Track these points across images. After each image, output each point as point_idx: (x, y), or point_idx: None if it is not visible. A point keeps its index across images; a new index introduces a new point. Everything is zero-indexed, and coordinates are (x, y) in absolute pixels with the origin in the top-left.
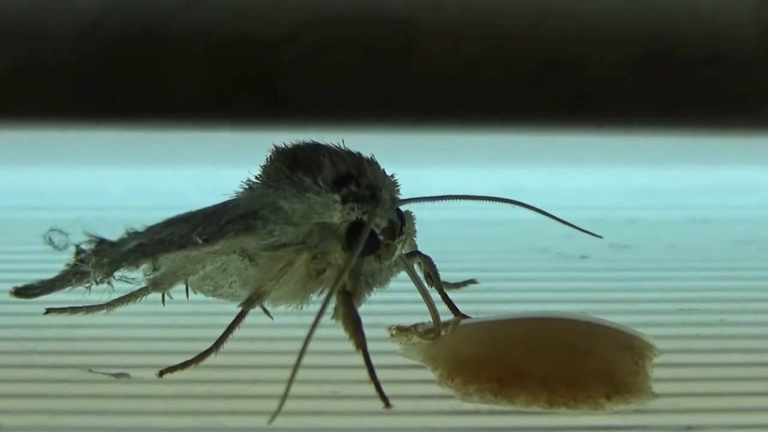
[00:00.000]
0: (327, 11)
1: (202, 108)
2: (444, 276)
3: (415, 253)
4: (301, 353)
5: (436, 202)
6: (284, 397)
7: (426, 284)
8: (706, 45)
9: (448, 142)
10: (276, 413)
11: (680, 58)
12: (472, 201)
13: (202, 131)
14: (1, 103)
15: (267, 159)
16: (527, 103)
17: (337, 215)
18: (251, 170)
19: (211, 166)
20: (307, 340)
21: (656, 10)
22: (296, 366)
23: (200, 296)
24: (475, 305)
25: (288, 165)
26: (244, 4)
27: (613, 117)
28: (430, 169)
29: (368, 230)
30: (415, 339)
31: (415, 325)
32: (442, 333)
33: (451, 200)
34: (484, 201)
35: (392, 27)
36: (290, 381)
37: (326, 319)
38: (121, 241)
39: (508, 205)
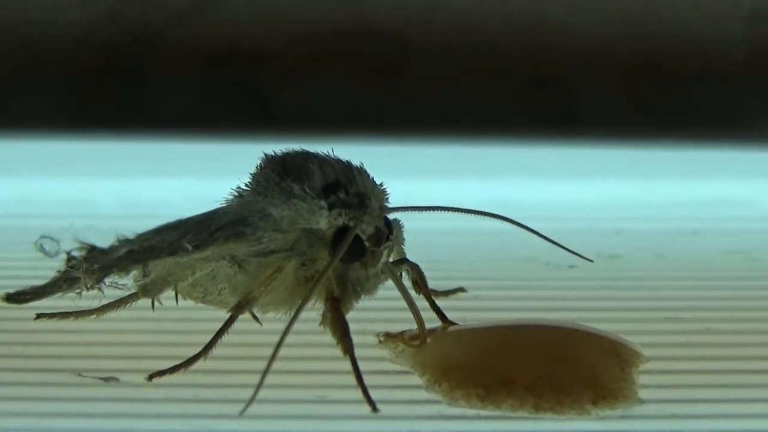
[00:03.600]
0: (318, 25)
1: (193, 119)
2: (432, 284)
3: (402, 261)
4: (275, 352)
5: (425, 212)
6: (255, 391)
7: (413, 291)
8: (696, 60)
9: (437, 154)
10: (246, 407)
11: (669, 73)
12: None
13: (193, 142)
14: None
15: (257, 166)
16: (516, 116)
17: (324, 221)
18: (241, 182)
19: (202, 177)
20: (282, 338)
21: (646, 25)
22: (269, 363)
23: (190, 302)
24: (463, 313)
25: (277, 172)
26: (236, 18)
27: (602, 130)
28: (420, 180)
29: (353, 235)
30: (402, 346)
31: (403, 332)
32: (428, 340)
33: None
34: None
35: (383, 41)
36: (263, 375)
37: (314, 325)
38: (112, 248)
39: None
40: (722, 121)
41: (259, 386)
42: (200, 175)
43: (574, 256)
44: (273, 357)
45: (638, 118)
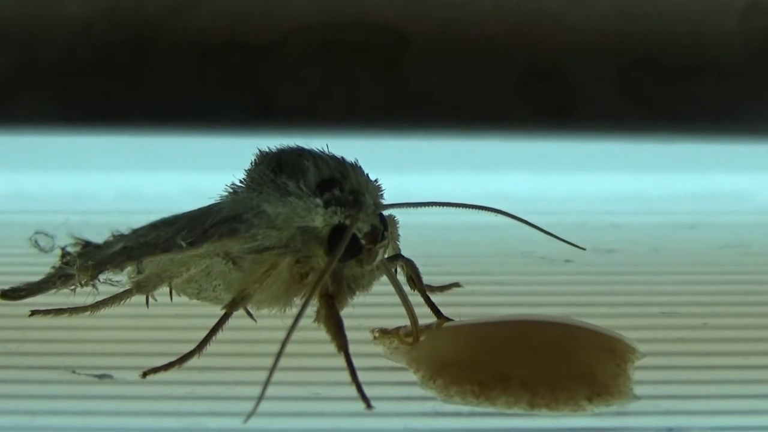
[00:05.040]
0: (316, 18)
1: (190, 113)
2: (428, 279)
3: (397, 257)
4: (279, 354)
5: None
6: (260, 398)
7: (408, 288)
8: (693, 53)
9: (434, 147)
10: (251, 413)
11: (666, 66)
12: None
13: (190, 136)
14: None
15: (252, 163)
16: (513, 110)
17: (320, 219)
18: (238, 176)
19: (199, 171)
20: (285, 341)
21: (643, 17)
22: (273, 367)
23: (184, 299)
24: (459, 308)
25: (272, 169)
26: (234, 11)
27: (599, 124)
28: (417, 174)
29: (350, 234)
30: (397, 342)
31: (398, 329)
32: (422, 337)
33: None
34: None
35: (381, 34)
36: (267, 382)
37: (309, 321)
38: (107, 244)
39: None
40: (719, 114)
41: (261, 395)
42: (198, 168)
43: (570, 250)
44: (275, 363)
45: (635, 111)
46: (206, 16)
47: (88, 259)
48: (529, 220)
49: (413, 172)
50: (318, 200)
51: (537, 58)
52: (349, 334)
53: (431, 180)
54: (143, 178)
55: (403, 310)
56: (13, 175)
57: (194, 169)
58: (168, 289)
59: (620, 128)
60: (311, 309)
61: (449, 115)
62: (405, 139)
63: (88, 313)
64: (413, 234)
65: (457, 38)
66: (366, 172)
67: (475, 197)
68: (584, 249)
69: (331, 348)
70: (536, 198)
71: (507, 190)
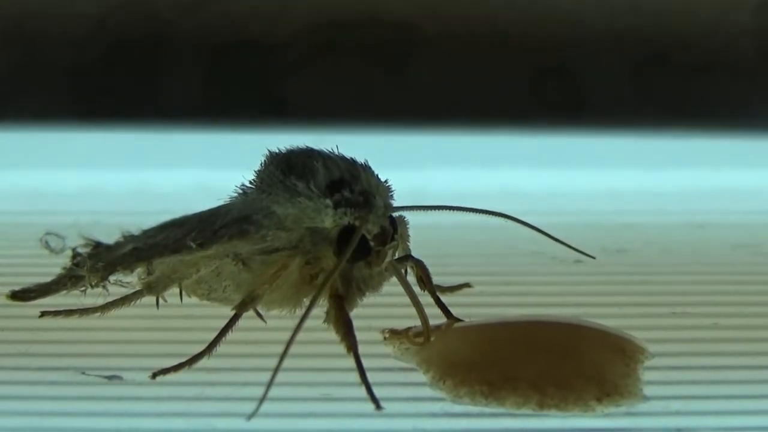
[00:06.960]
0: (326, 15)
1: (201, 111)
2: (438, 279)
3: (407, 257)
4: (284, 354)
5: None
6: (263, 397)
7: (418, 288)
8: (705, 50)
9: (446, 144)
10: (254, 412)
11: (678, 63)
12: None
13: (201, 134)
14: None
15: (261, 164)
16: (525, 106)
17: (329, 220)
18: (249, 174)
19: (210, 169)
20: (290, 342)
21: (655, 15)
22: (277, 367)
23: (194, 300)
24: (469, 309)
25: (282, 170)
26: (245, 9)
27: (610, 121)
28: (429, 171)
29: (359, 236)
30: (406, 343)
31: (408, 329)
32: (432, 338)
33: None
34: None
35: (392, 31)
36: (270, 381)
37: (318, 322)
38: (117, 245)
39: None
40: (731, 112)
41: (265, 394)
42: (209, 166)
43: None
44: (280, 362)
45: (647, 108)
46: (217, 13)
47: (98, 261)
48: (539, 221)
49: (425, 168)
50: (327, 201)
51: (549, 55)
52: (359, 335)
53: (443, 177)
54: (154, 176)
55: (413, 311)
56: (23, 173)
57: (205, 167)
58: (178, 290)
59: (633, 125)
60: (320, 309)
61: (461, 111)
62: (417, 136)
63: (99, 314)
64: (423, 234)
65: (468, 35)
66: (376, 172)
67: (486, 194)
68: (594, 257)
69: (341, 349)
70: (548, 195)
71: (519, 186)
